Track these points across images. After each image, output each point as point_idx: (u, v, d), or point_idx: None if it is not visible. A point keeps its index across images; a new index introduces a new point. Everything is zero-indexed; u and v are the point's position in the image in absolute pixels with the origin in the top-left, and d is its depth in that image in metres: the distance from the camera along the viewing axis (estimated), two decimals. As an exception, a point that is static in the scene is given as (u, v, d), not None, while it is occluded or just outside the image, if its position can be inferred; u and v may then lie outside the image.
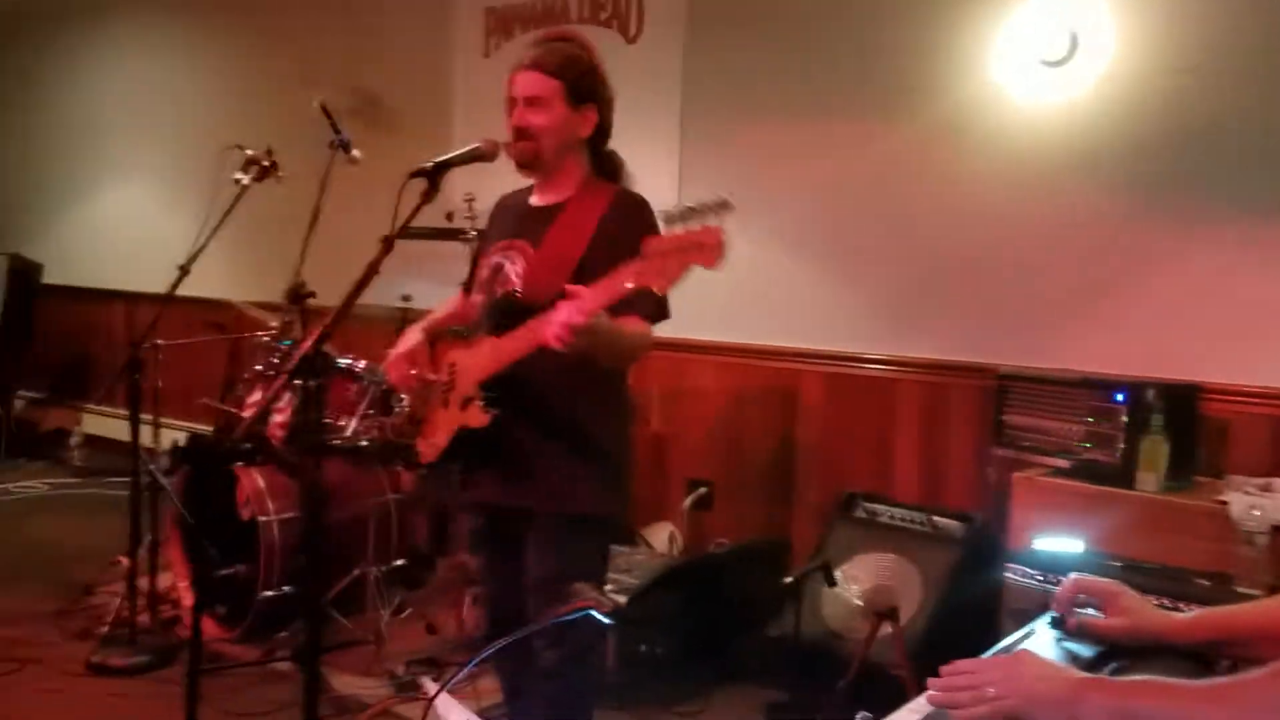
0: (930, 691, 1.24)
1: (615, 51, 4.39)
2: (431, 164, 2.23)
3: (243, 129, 5.19)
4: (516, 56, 2.40)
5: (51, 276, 6.76)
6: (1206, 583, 2.55)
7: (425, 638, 3.64)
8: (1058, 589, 1.52)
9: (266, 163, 3.43)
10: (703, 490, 4.18)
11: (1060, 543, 2.71)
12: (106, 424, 6.19)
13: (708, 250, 1.87)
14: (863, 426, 3.86)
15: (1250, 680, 1.06)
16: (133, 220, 6.32)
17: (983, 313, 3.62)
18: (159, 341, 3.64)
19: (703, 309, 3.94)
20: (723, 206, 1.92)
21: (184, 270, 3.36)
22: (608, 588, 3.23)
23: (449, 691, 1.57)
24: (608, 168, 2.43)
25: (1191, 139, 3.18)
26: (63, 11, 6.56)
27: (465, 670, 1.84)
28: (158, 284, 3.67)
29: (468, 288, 2.57)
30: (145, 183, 6.32)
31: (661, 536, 3.98)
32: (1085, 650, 1.44)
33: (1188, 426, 2.98)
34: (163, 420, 3.92)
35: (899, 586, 3.12)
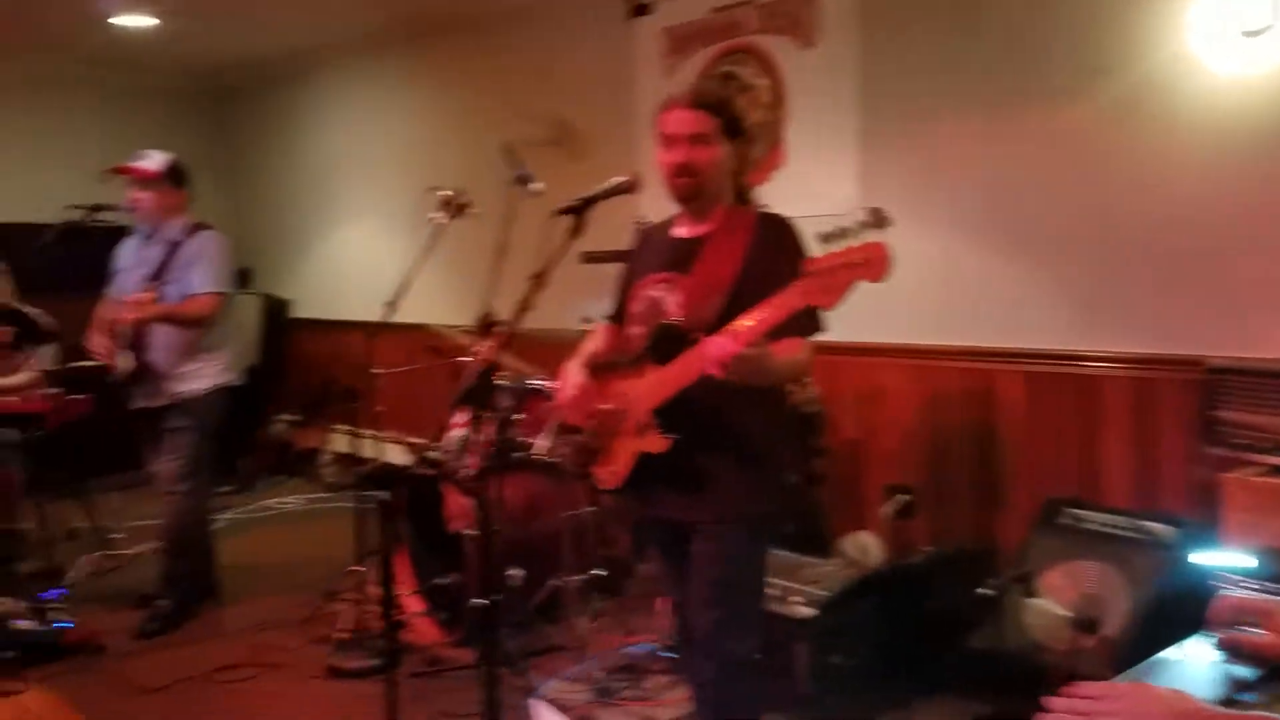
0: (1047, 713, 1.21)
1: (792, 58, 4.39)
2: (577, 201, 2.33)
3: (451, 168, 5.53)
4: (668, 93, 2.48)
5: (299, 311, 7.51)
6: None
7: (624, 643, 3.77)
8: (1212, 607, 1.44)
9: (460, 202, 3.68)
10: (904, 498, 4.08)
11: (1230, 557, 2.50)
12: (353, 442, 6.73)
13: (873, 265, 1.91)
14: (1068, 427, 3.67)
15: None
16: (364, 256, 6.87)
17: (1189, 301, 3.37)
18: (378, 370, 3.98)
19: (892, 311, 3.87)
20: (880, 221, 1.93)
21: (391, 305, 3.65)
22: (795, 599, 3.25)
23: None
24: (745, 194, 2.48)
25: None
26: (293, 69, 7.21)
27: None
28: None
29: (616, 319, 2.67)
30: (373, 221, 6.86)
31: (859, 546, 3.92)
32: (1247, 672, 1.36)
33: None
34: (389, 438, 4.26)
35: (1103, 595, 2.96)
